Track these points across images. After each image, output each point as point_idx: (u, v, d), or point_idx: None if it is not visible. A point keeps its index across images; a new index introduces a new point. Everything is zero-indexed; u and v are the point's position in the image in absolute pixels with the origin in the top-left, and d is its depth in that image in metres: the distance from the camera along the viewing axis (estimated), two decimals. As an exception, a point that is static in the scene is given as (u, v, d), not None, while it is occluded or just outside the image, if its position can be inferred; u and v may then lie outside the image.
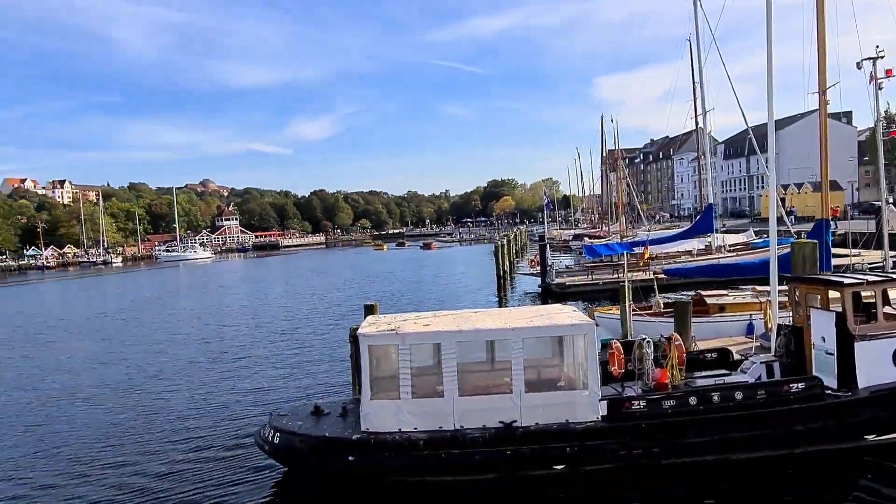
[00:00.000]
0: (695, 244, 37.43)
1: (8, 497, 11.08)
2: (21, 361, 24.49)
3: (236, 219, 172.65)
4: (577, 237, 64.60)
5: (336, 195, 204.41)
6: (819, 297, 11.22)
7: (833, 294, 11.10)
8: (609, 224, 67.12)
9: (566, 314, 11.09)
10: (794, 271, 13.85)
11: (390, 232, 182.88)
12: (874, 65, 15.06)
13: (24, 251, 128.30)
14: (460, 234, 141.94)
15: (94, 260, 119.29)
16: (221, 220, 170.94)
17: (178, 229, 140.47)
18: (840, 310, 10.60)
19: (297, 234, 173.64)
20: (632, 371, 11.58)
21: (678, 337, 11.61)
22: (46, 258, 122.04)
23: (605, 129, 70.44)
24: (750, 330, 16.50)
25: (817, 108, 15.66)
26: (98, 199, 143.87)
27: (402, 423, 10.15)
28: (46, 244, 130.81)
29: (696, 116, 37.69)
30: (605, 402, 10.20)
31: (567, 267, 39.82)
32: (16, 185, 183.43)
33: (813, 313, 11.27)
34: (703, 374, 11.97)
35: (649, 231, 51.27)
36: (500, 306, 31.84)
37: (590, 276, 34.01)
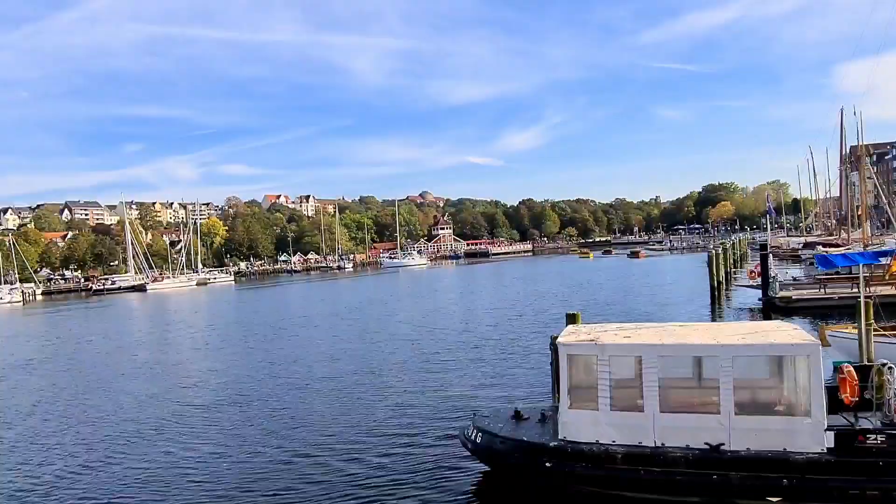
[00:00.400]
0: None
1: (245, 468, 13.31)
2: (267, 352, 28.98)
3: (450, 228, 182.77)
4: (807, 245, 57.29)
5: (543, 204, 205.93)
6: None
7: None
8: (849, 231, 58.38)
9: (786, 332, 10.17)
10: None
11: (597, 240, 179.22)
12: None
13: (278, 257, 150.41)
14: (671, 242, 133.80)
15: (331, 265, 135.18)
16: (437, 230, 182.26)
17: (398, 238, 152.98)
18: None
19: (506, 242, 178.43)
20: (869, 400, 10.21)
21: (930, 364, 9.96)
22: (294, 263, 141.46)
23: (846, 122, 60.59)
24: None
25: None
26: (335, 212, 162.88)
27: (600, 434, 10.16)
28: (294, 251, 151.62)
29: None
30: (833, 432, 9.16)
31: (794, 279, 35.66)
32: (273, 201, 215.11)
33: None
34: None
35: (874, 240, 43.77)
36: (713, 320, 29.66)
37: (822, 290, 30.12)
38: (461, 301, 49.22)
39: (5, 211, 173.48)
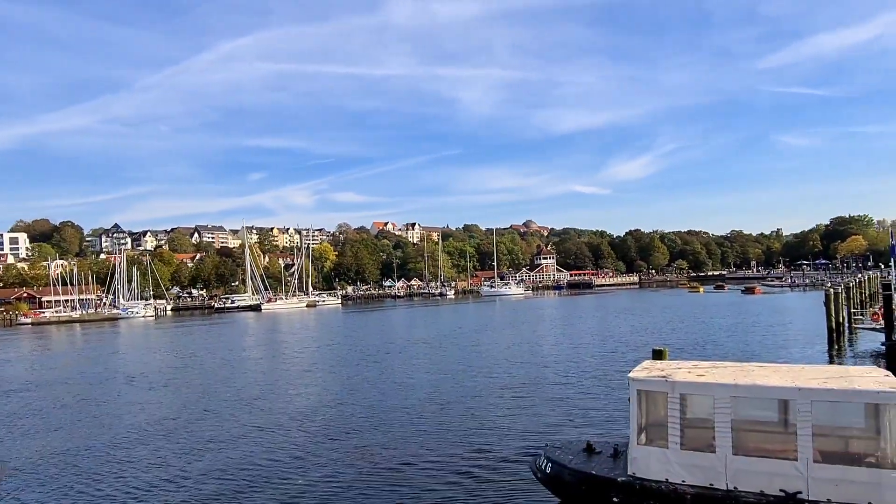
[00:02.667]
0: None
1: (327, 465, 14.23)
2: (357, 374, 30.45)
3: (553, 257, 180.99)
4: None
5: (652, 234, 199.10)
6: None
7: None
8: None
9: (874, 378, 9.65)
10: None
11: (709, 273, 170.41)
12: None
13: (383, 282, 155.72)
14: (792, 278, 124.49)
15: (433, 292, 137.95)
16: (540, 259, 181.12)
17: (496, 267, 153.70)
18: None
19: (611, 274, 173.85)
20: None
21: None
22: (398, 289, 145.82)
23: None
24: None
25: None
26: (438, 239, 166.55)
27: (670, 473, 10.08)
28: (398, 277, 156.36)
29: None
30: (923, 488, 8.59)
31: (929, 323, 32.25)
32: (380, 227, 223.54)
33: None
34: None
35: None
36: (830, 364, 27.57)
37: (962, 337, 27.14)
38: (553, 333, 48.71)
39: (144, 234, 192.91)
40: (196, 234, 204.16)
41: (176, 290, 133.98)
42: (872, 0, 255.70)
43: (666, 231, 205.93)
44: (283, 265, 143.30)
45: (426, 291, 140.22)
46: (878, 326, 31.94)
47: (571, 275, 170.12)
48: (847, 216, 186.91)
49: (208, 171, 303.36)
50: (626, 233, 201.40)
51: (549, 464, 11.71)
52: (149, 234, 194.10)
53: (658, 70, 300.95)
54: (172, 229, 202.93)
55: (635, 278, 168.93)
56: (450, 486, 13.30)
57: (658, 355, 15.15)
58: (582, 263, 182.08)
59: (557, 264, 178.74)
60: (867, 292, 55.45)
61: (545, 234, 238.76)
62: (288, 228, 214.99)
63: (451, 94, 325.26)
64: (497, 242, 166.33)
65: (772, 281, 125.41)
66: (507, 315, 72.66)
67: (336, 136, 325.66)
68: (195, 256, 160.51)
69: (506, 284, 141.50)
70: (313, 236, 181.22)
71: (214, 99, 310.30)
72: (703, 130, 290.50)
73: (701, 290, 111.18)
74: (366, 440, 17.44)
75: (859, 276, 73.43)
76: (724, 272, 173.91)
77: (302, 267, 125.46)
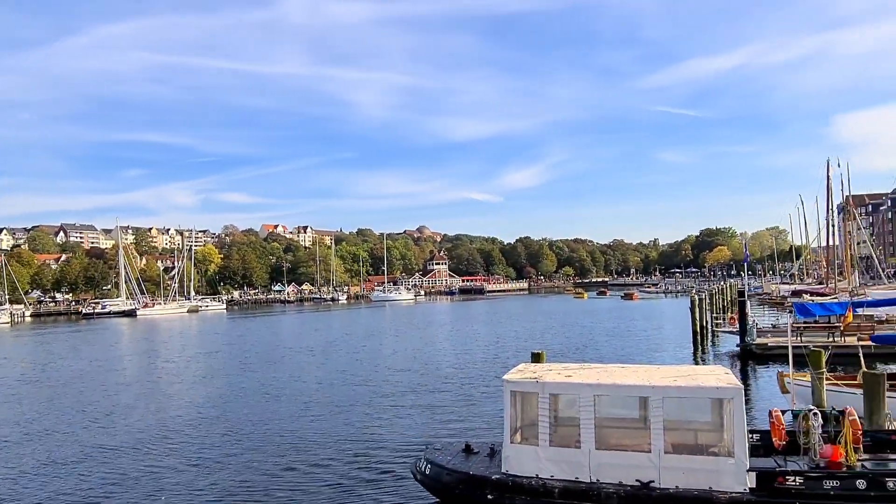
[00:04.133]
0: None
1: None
2: (234, 382, 29.26)
3: (446, 263, 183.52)
4: (795, 293, 57.74)
5: (541, 242, 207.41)
6: None
7: None
8: (835, 280, 59.01)
9: (715, 376, 10.63)
10: None
11: (593, 280, 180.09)
12: None
13: (272, 287, 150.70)
14: (666, 285, 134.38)
15: (325, 297, 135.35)
16: (433, 264, 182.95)
17: (386, 272, 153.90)
18: None
19: (502, 280, 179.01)
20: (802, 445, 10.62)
21: (853, 412, 10.36)
22: (288, 294, 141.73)
23: (833, 173, 61.65)
24: None
25: None
26: (331, 243, 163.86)
27: (541, 469, 10.51)
28: (289, 281, 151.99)
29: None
30: (755, 473, 9.55)
31: (773, 326, 36.05)
32: (270, 230, 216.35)
33: None
34: (891, 457, 10.52)
35: (859, 291, 44.43)
36: (695, 364, 29.96)
37: (798, 338, 30.47)
38: (441, 339, 49.22)
39: (0, 231, 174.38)
40: (62, 234, 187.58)
41: (37, 294, 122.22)
42: (736, 32, 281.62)
43: (554, 239, 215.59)
44: (162, 268, 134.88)
45: (317, 297, 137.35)
46: (734, 330, 35.20)
47: (463, 280, 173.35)
48: (714, 228, 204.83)
49: (78, 165, 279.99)
50: (517, 240, 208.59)
51: (429, 465, 11.85)
52: (4, 231, 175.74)
53: (548, 84, 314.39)
54: (33, 227, 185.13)
55: (525, 284, 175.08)
56: (331, 490, 13.09)
57: (536, 358, 15.82)
58: (474, 269, 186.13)
59: (450, 270, 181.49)
60: (728, 298, 60.84)
61: (438, 239, 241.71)
62: (168, 229, 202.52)
63: (346, 96, 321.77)
64: (390, 247, 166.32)
65: (649, 288, 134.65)
66: (396, 321, 72.62)
67: (223, 134, 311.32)
68: (60, 257, 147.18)
69: (396, 290, 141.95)
70: (196, 238, 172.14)
71: (87, 87, 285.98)
72: (590, 143, 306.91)
73: (585, 296, 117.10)
74: (242, 449, 16.64)
75: (722, 283, 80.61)
76: (606, 279, 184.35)
77: (183, 270, 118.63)
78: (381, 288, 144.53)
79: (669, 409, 10.19)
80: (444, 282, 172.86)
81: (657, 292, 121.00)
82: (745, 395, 23.72)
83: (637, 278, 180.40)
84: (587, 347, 38.57)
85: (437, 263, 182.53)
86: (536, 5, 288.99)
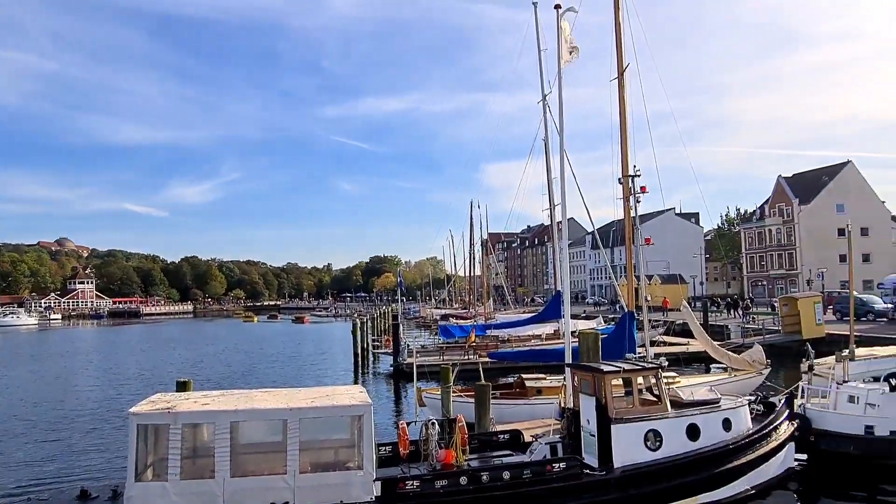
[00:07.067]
0: (547, 328, 39.11)
1: None
2: None
3: (93, 282, 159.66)
4: (444, 317, 65.90)
5: (209, 262, 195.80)
6: (587, 382, 12.28)
7: (615, 380, 12.12)
8: (474, 306, 69.39)
9: (350, 395, 11.28)
10: (581, 359, 15.04)
11: (266, 303, 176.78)
12: (633, 181, 17.49)
13: None
14: (337, 308, 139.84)
15: None
16: (76, 283, 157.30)
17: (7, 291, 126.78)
18: (601, 395, 11.63)
19: (163, 302, 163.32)
20: (423, 452, 11.90)
21: (462, 418, 12.12)
22: None
23: (474, 213, 74.71)
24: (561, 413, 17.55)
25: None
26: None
27: (170, 506, 9.70)
28: None
29: (550, 209, 40.45)
30: (381, 482, 10.35)
31: (423, 346, 40.38)
32: None
33: (581, 398, 12.27)
34: (493, 454, 12.53)
35: (492, 315, 53.60)
36: (355, 384, 31.48)
37: (441, 357, 34.64)
38: (72, 370, 42.25)
39: None
40: None
41: None
42: (406, 79, 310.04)
43: (225, 259, 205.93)
44: None
45: None
46: (390, 351, 38.28)
47: (115, 302, 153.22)
48: (383, 256, 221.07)
49: None
50: (182, 259, 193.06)
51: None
52: None
53: (226, 98, 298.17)
54: None
55: (190, 307, 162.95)
56: None
57: (183, 387, 14.79)
58: (129, 290, 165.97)
59: (99, 290, 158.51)
60: (389, 322, 66.18)
61: (85, 254, 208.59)
62: None
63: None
64: (15, 261, 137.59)
65: (320, 311, 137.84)
66: (14, 351, 60.17)
67: None
68: None
69: (12, 314, 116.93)
70: None
71: None
72: (267, 165, 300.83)
73: (255, 319, 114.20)
74: None
75: (385, 308, 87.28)
76: (279, 302, 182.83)
77: None
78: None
79: (309, 430, 10.42)
80: (89, 303, 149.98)
81: (328, 316, 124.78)
82: (395, 410, 26.03)
83: (310, 302, 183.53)
84: (250, 374, 37.43)
85: (80, 282, 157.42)
86: (216, 15, 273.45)
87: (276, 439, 10.96)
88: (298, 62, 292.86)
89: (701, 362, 27.85)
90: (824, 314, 36.14)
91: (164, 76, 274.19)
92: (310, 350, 53.96)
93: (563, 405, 14.17)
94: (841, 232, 62.49)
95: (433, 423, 11.66)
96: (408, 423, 12.27)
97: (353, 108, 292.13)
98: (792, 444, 13.55)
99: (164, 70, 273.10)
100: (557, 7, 15.51)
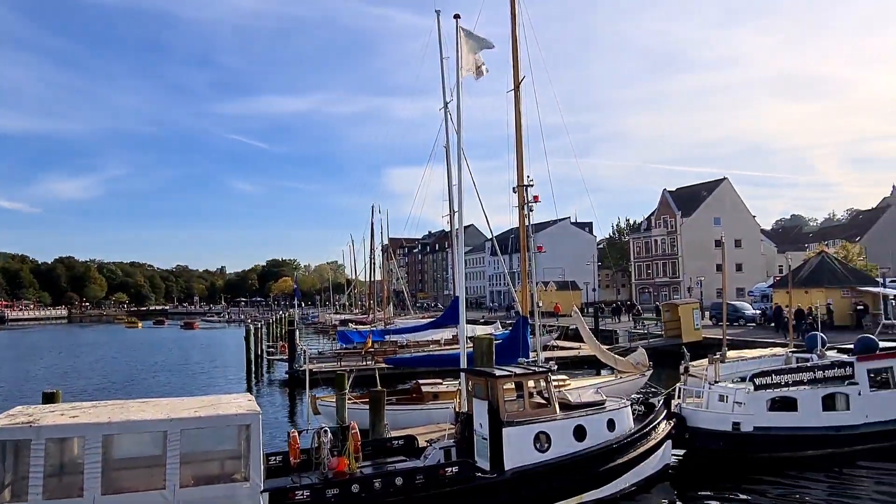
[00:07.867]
0: (445, 334, 39.47)
1: None
2: None
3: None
4: (343, 322, 64.89)
5: (88, 264, 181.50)
6: (480, 387, 12.50)
7: (507, 384, 12.37)
8: (375, 311, 68.87)
9: (237, 404, 10.79)
10: (475, 363, 15.31)
11: (152, 308, 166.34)
12: (527, 191, 18.26)
13: None
14: (230, 313, 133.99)
15: None
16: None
17: None
18: (493, 399, 11.87)
19: (32, 306, 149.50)
20: (314, 461, 11.61)
21: (355, 425, 11.97)
22: None
23: (376, 218, 73.66)
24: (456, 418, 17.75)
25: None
26: None
27: (29, 529, 8.83)
28: None
29: (451, 216, 40.98)
30: (269, 493, 9.98)
31: (319, 352, 39.55)
32: None
33: (475, 402, 12.48)
34: (387, 460, 12.44)
35: (391, 320, 53.78)
36: (248, 392, 30.27)
37: (339, 363, 34.07)
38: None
39: None
40: None
41: None
42: (307, 79, 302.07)
43: (106, 261, 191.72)
44: None
45: None
46: (284, 358, 37.13)
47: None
48: (281, 259, 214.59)
49: None
50: (56, 260, 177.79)
51: None
52: None
53: (108, 88, 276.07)
54: None
55: (64, 312, 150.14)
56: None
57: (49, 399, 13.64)
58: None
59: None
60: (285, 328, 64.26)
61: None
62: None
63: None
64: None
65: (212, 316, 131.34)
66: None
67: None
68: None
69: None
70: None
71: None
72: (155, 161, 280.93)
73: (140, 325, 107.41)
74: None
75: (282, 313, 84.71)
76: (167, 307, 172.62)
77: None
78: None
79: (192, 442, 9.89)
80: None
81: (221, 321, 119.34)
82: (289, 419, 25.22)
83: (201, 307, 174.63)
84: (131, 385, 34.99)
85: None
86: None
87: (156, 452, 10.31)
88: (188, 55, 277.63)
89: (591, 365, 29.22)
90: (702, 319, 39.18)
91: (38, 60, 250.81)
92: (199, 357, 51.31)
93: (457, 410, 14.36)
94: (717, 243, 67.76)
95: (325, 431, 11.42)
96: (299, 432, 11.92)
97: (250, 105, 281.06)
98: (669, 442, 14.46)
99: (38, 53, 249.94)
100: (457, 17, 15.81)
